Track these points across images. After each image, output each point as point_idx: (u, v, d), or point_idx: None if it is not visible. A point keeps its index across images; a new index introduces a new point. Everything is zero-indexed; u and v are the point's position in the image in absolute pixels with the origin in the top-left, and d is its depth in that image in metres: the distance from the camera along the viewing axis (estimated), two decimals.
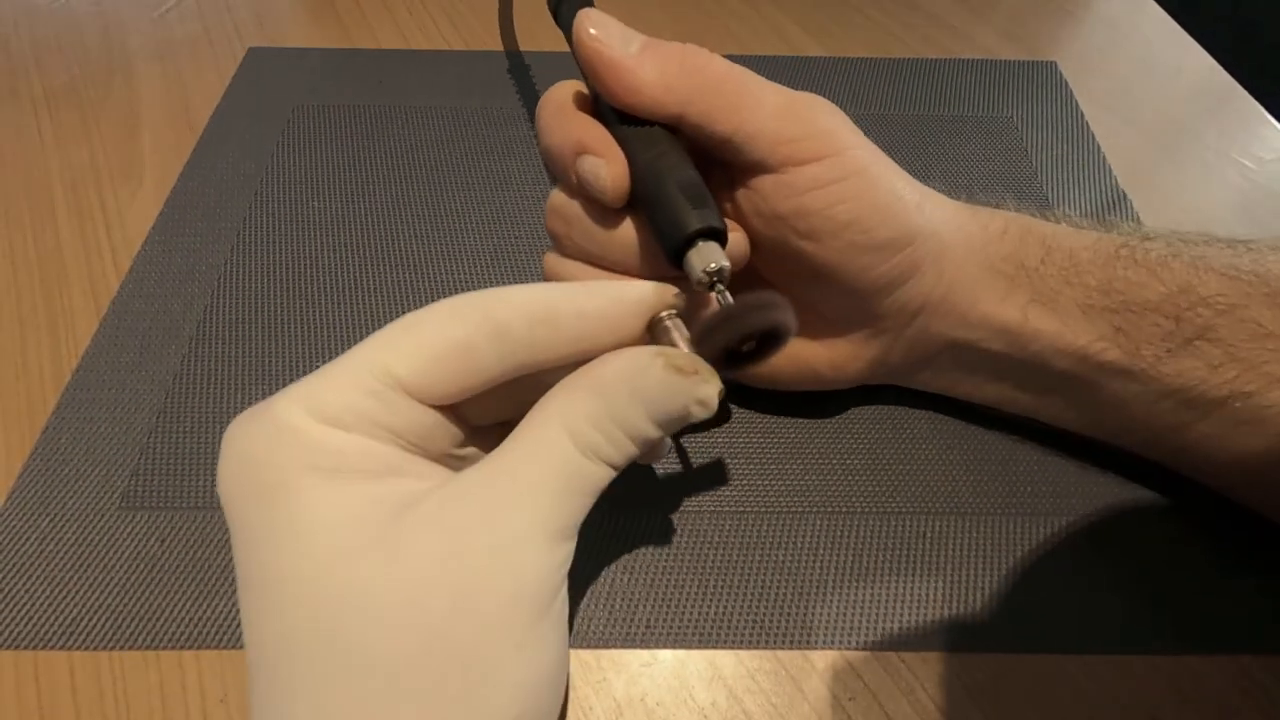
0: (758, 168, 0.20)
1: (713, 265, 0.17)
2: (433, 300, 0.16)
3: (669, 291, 0.17)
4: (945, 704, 0.20)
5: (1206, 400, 0.20)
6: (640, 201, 0.19)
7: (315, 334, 0.27)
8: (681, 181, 0.18)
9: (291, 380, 0.15)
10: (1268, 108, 0.37)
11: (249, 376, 0.26)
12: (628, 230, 0.20)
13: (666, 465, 0.24)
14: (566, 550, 0.15)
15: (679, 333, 0.17)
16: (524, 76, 0.38)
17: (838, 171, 0.19)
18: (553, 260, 0.22)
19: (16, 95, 0.36)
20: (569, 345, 0.16)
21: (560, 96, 0.20)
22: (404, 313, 0.16)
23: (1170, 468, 0.23)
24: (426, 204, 0.31)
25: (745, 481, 0.24)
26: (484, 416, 0.18)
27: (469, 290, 0.16)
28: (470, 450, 0.18)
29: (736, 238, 0.20)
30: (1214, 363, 0.19)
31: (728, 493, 0.23)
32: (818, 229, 0.20)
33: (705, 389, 0.16)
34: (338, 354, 0.16)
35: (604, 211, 0.20)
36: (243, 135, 0.34)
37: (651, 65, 0.19)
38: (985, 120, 0.36)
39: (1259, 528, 0.22)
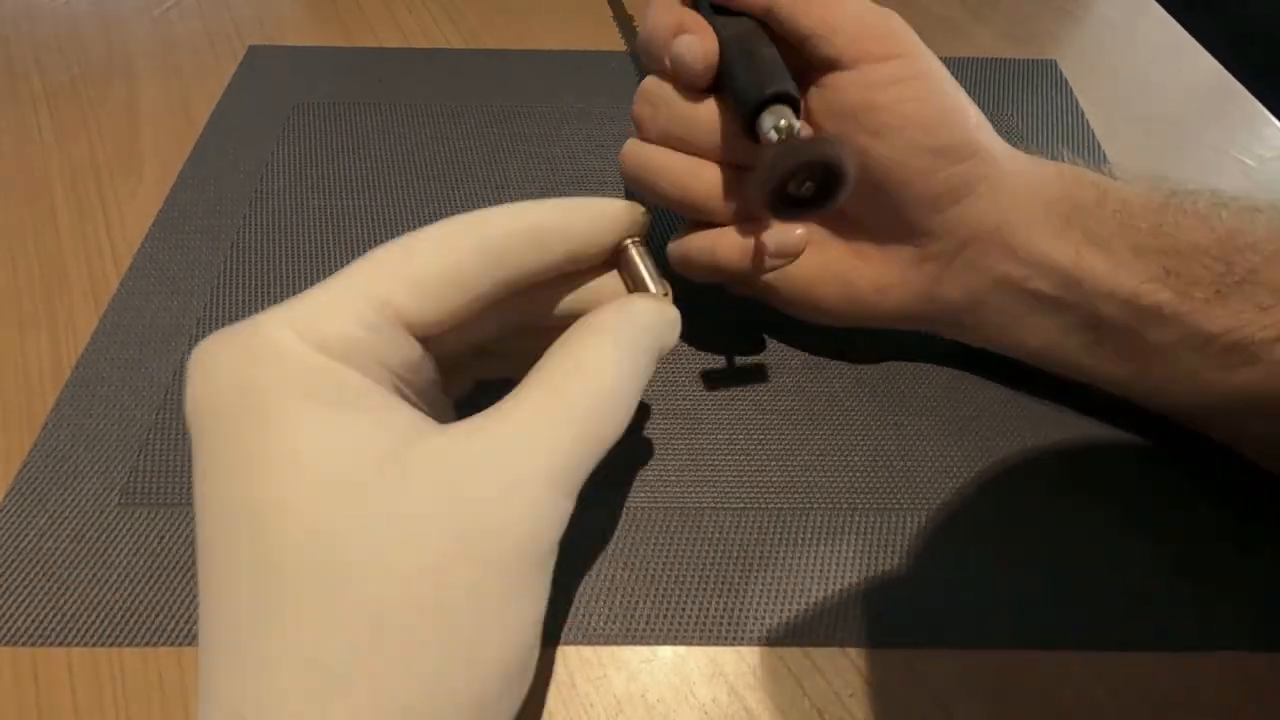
0: (834, 63, 0.21)
1: (783, 122, 0.18)
2: None
3: (638, 210, 0.18)
4: (946, 700, 0.20)
5: (1254, 343, 0.20)
6: (724, 78, 0.20)
7: None
8: (761, 55, 0.20)
9: None
10: (1268, 106, 0.37)
11: None
12: (710, 109, 0.21)
13: (668, 461, 0.24)
14: (568, 507, 0.15)
15: (641, 260, 0.18)
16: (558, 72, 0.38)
17: (908, 71, 0.21)
18: (632, 146, 0.23)
19: (16, 95, 0.36)
20: (554, 260, 0.17)
21: None
22: None
23: (1207, 429, 0.23)
24: (427, 202, 0.31)
25: (746, 478, 0.24)
26: (455, 344, 0.18)
27: None
28: (436, 394, 0.18)
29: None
30: (1263, 304, 0.19)
31: (728, 489, 0.23)
32: (885, 125, 0.20)
33: (673, 310, 0.18)
34: None
35: (691, 93, 0.21)
36: (243, 133, 0.34)
37: None
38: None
39: (1262, 525, 0.22)
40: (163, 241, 0.29)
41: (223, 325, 0.26)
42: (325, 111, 0.35)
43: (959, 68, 0.40)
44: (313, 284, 0.29)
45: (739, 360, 0.26)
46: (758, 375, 0.26)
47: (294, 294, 0.29)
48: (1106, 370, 0.23)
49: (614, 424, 0.16)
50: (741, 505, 0.23)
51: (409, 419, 0.15)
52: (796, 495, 0.23)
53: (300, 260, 0.29)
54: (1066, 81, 0.38)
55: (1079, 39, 0.42)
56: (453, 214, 0.29)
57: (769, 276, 0.23)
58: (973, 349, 0.25)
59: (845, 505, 0.23)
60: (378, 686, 0.13)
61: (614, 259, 0.18)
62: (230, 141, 0.33)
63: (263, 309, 0.27)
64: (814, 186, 0.18)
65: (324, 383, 0.14)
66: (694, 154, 0.21)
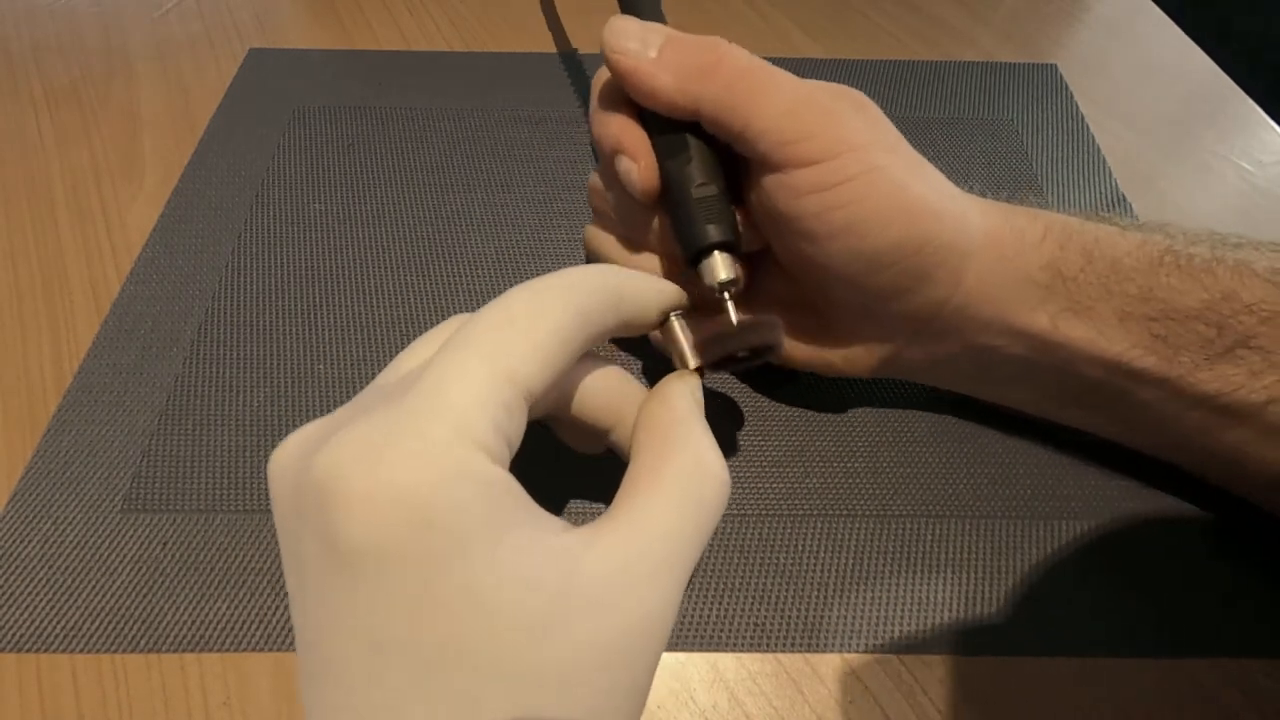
0: (765, 166, 0.20)
1: (723, 277, 0.19)
2: (434, 301, 0.16)
3: (684, 296, 0.19)
4: (946, 707, 0.20)
5: (1243, 406, 0.19)
6: (666, 204, 0.21)
7: (317, 335, 0.27)
8: (701, 194, 0.20)
9: (289, 384, 0.14)
10: (1267, 111, 0.37)
11: (250, 379, 0.25)
12: (659, 220, 0.22)
13: None
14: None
15: (683, 332, 0.19)
16: (546, 76, 0.38)
17: (838, 175, 0.19)
18: (593, 232, 0.24)
19: (16, 95, 0.36)
20: (621, 323, 0.17)
21: (607, 88, 0.22)
22: (405, 315, 0.16)
23: (1195, 474, 0.22)
24: (428, 205, 0.31)
25: (746, 485, 0.24)
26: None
27: (468, 289, 0.16)
28: None
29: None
30: (1255, 369, 0.19)
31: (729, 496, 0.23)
32: (815, 231, 0.20)
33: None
34: (339, 356, 0.15)
35: (637, 203, 0.21)
36: (244, 136, 0.34)
37: (668, 68, 0.20)
38: (985, 123, 0.36)
39: (1261, 531, 0.22)
40: (164, 246, 0.29)
41: (224, 328, 0.27)
42: (326, 115, 0.35)
43: (959, 72, 0.41)
44: (314, 285, 0.28)
45: (738, 368, 0.26)
46: (758, 384, 0.26)
47: (295, 295, 0.27)
48: (1091, 424, 0.23)
49: (721, 511, 0.16)
50: (741, 512, 0.23)
51: (554, 523, 0.14)
52: (796, 502, 0.23)
53: (301, 264, 0.29)
54: (1066, 85, 0.38)
55: (1079, 42, 0.42)
56: (454, 215, 0.30)
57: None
58: None
59: (845, 512, 0.23)
60: None
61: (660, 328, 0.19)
62: (231, 145, 0.33)
63: (264, 311, 0.27)
64: (748, 354, 0.20)
65: (496, 497, 0.13)
66: (648, 249, 0.23)
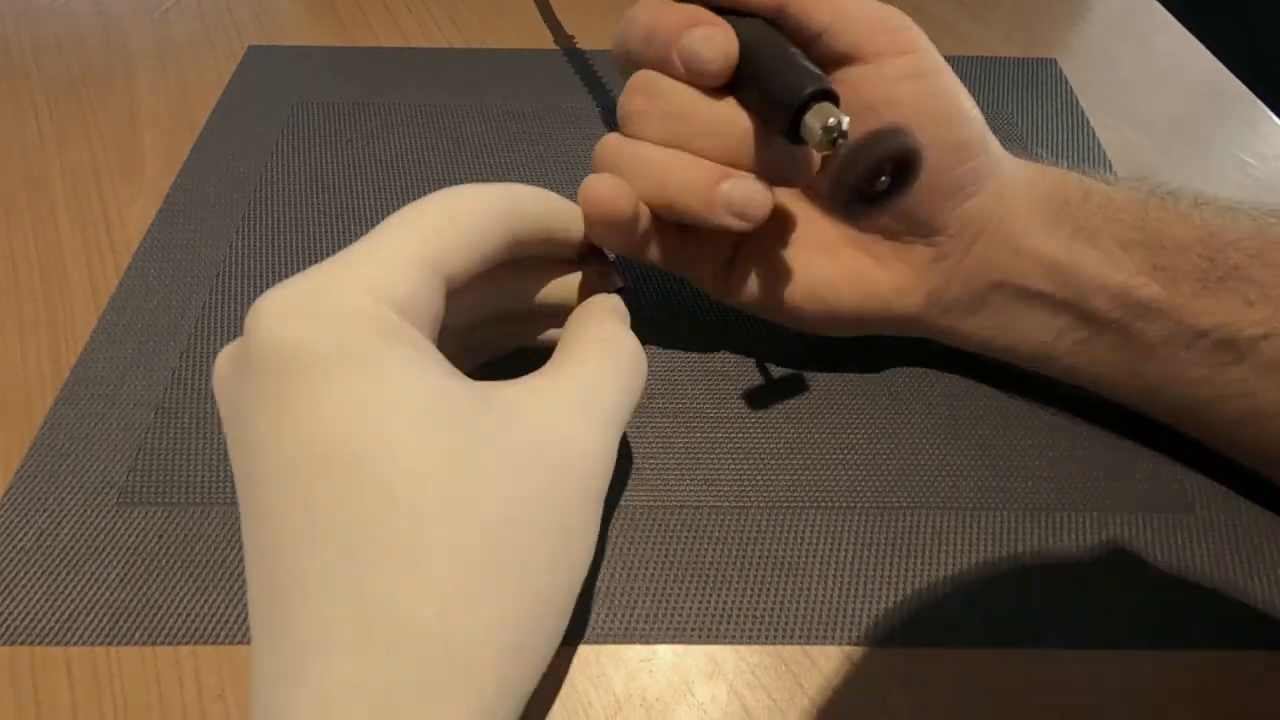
0: (851, 58, 0.20)
1: (832, 120, 0.17)
2: None
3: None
4: (946, 699, 0.20)
5: (1241, 339, 0.20)
6: (746, 77, 0.19)
7: None
8: (789, 52, 0.19)
9: None
10: (1269, 105, 0.37)
11: None
12: (732, 110, 0.20)
13: (666, 460, 0.24)
14: (615, 451, 0.17)
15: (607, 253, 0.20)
16: (556, 72, 0.38)
17: (924, 66, 0.21)
18: (616, 141, 0.21)
19: (16, 95, 0.36)
20: (552, 236, 0.19)
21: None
22: None
23: (1204, 436, 0.23)
24: None
25: (745, 476, 0.23)
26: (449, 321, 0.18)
27: None
28: None
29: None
30: (1249, 299, 0.20)
31: (727, 488, 0.23)
32: (907, 119, 0.19)
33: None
34: None
35: (701, 90, 0.20)
36: (242, 133, 0.34)
37: None
38: (985, 118, 0.36)
39: (1263, 522, 0.22)
40: (162, 242, 0.29)
41: (222, 325, 0.27)
42: (325, 112, 0.35)
43: (959, 66, 0.40)
44: None
45: (738, 360, 0.26)
46: (757, 374, 0.26)
47: None
48: (1099, 371, 0.23)
49: (640, 384, 0.18)
50: (740, 504, 0.23)
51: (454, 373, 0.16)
52: (795, 494, 0.23)
53: (299, 261, 0.29)
54: (1066, 80, 0.38)
55: (1079, 37, 0.42)
56: None
57: (784, 274, 0.23)
58: (952, 361, 0.25)
59: (843, 504, 0.23)
60: (499, 598, 0.14)
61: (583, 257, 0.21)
62: (230, 142, 0.33)
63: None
64: (888, 180, 0.18)
65: (410, 336, 0.15)
66: (700, 154, 0.20)
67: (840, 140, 0.17)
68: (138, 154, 0.33)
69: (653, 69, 0.20)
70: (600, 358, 0.18)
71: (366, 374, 0.14)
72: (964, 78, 0.22)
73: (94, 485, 0.23)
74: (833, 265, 0.23)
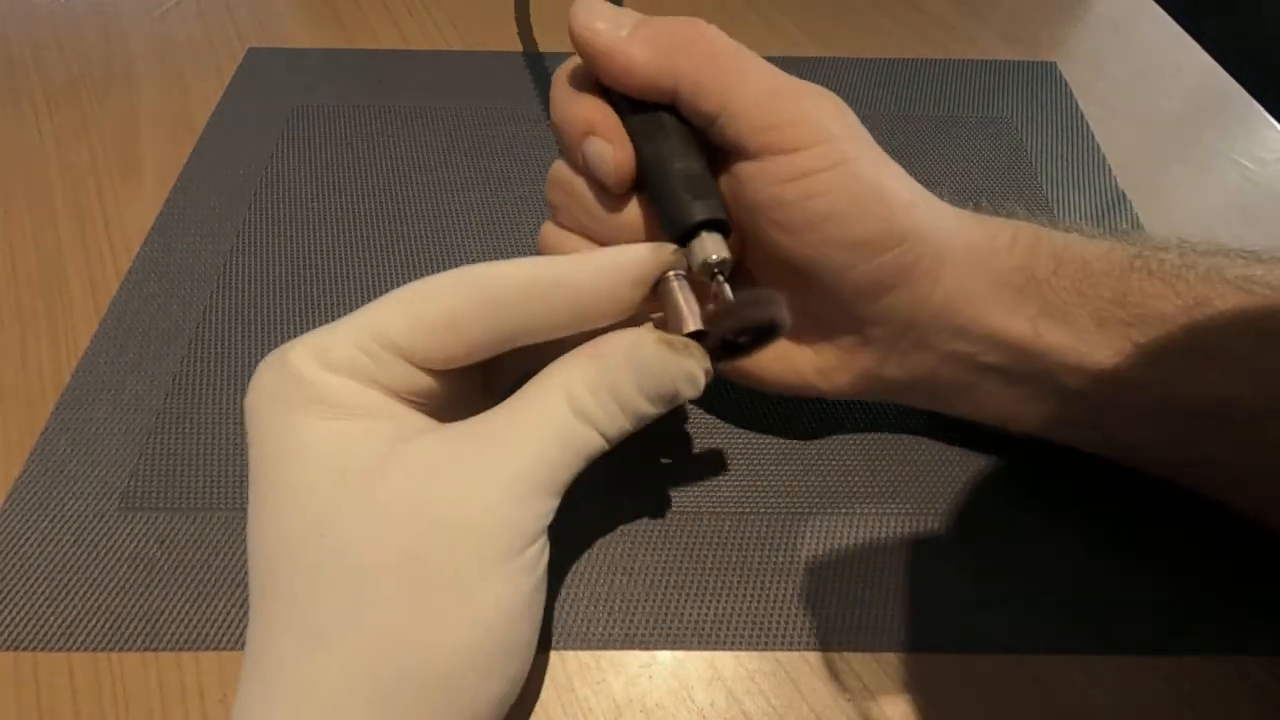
0: (740, 152, 0.19)
1: (714, 257, 0.18)
2: None
3: (665, 250, 0.18)
4: (944, 704, 0.20)
5: (1230, 409, 0.19)
6: (644, 187, 0.20)
7: None
8: (684, 170, 0.19)
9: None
10: (1267, 108, 0.37)
11: (248, 377, 0.25)
12: (631, 211, 0.20)
13: (665, 467, 0.24)
14: (547, 505, 0.17)
15: (683, 294, 0.18)
16: (541, 77, 0.38)
17: (818, 163, 0.18)
18: (550, 231, 0.22)
19: (16, 95, 0.36)
20: (563, 317, 0.17)
21: (573, 74, 0.20)
22: None
23: (1180, 484, 0.22)
24: (426, 204, 0.31)
25: (743, 482, 0.24)
26: (504, 381, 0.20)
27: None
28: (472, 400, 0.19)
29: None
30: (1238, 374, 0.19)
31: (726, 494, 0.23)
32: (794, 221, 0.19)
33: (693, 366, 0.17)
34: None
35: (608, 192, 0.20)
36: (242, 136, 0.34)
37: (643, 45, 0.19)
38: (985, 121, 0.36)
39: (1258, 529, 0.22)
40: (162, 245, 0.29)
41: (222, 327, 0.27)
42: (325, 114, 0.35)
43: (958, 70, 0.41)
44: (312, 284, 0.30)
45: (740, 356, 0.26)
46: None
47: (293, 294, 0.29)
48: (1070, 437, 0.22)
49: (588, 440, 0.17)
50: (738, 510, 0.23)
51: (408, 422, 0.17)
52: (793, 499, 0.23)
53: (299, 264, 0.29)
54: (1066, 83, 0.38)
55: (1078, 40, 0.42)
56: (452, 214, 0.30)
57: None
58: None
59: (841, 509, 0.23)
60: (353, 644, 0.15)
61: (656, 295, 0.18)
62: (230, 144, 0.33)
63: (261, 310, 0.28)
64: (749, 339, 0.18)
65: (327, 395, 0.16)
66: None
67: (719, 275, 0.18)
68: (137, 154, 0.33)
69: (566, 159, 0.21)
70: (530, 403, 0.17)
71: (284, 436, 0.16)
72: (963, 80, 0.21)
73: (95, 490, 0.23)
74: None
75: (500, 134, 0.34)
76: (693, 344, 0.17)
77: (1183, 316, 0.19)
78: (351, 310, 0.17)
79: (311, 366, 0.16)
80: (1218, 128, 0.37)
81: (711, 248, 0.18)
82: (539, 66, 0.38)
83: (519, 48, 0.39)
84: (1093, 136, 0.35)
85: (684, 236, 0.18)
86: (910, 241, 0.19)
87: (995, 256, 0.20)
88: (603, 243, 0.21)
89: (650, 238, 0.20)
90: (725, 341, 0.18)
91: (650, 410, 0.17)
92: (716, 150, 0.20)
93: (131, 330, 0.27)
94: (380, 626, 0.15)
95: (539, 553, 0.17)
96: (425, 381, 0.17)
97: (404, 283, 0.17)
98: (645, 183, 0.19)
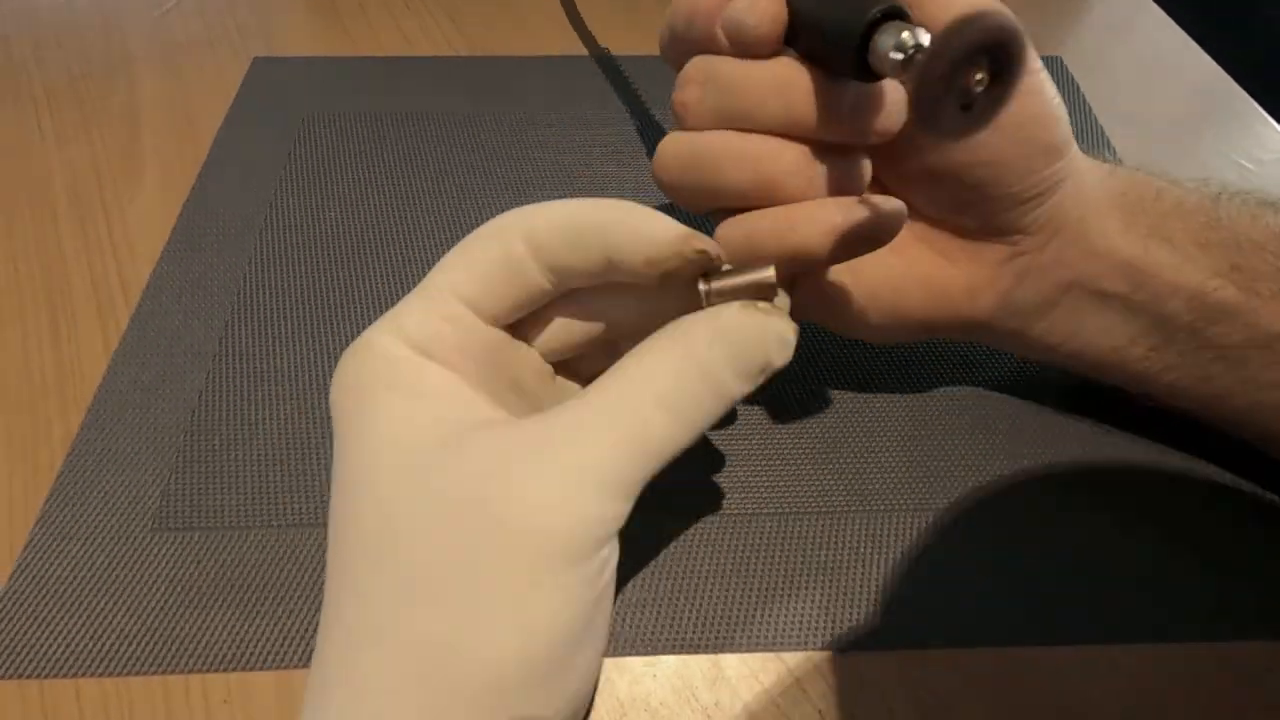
0: None
1: (906, 35, 0.15)
2: None
3: (690, 242, 0.16)
4: (949, 699, 0.20)
5: None
6: (799, 29, 0.18)
7: (339, 343, 0.27)
8: None
9: (315, 395, 0.18)
10: (1267, 109, 0.37)
11: (276, 390, 0.25)
12: (790, 68, 0.18)
13: (666, 470, 0.24)
14: (619, 508, 0.15)
15: (737, 273, 0.17)
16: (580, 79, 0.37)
17: (1034, 62, 0.19)
18: (676, 139, 0.20)
19: (17, 95, 0.35)
20: (592, 260, 0.17)
21: None
22: None
23: (1261, 443, 0.22)
24: (444, 211, 0.31)
25: (746, 483, 0.24)
26: (555, 346, 0.19)
27: None
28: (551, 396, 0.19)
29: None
30: None
31: (731, 496, 0.23)
32: (1005, 121, 0.16)
33: (783, 325, 0.16)
34: None
35: (753, 59, 0.18)
36: (254, 147, 0.33)
37: None
38: None
39: (1261, 518, 0.23)
40: (179, 260, 0.29)
41: (245, 343, 0.27)
42: (336, 123, 0.34)
43: None
44: (333, 293, 0.29)
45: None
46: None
47: (314, 304, 0.28)
48: (1168, 377, 0.22)
49: (669, 434, 0.15)
50: (742, 511, 0.23)
51: (481, 411, 0.17)
52: (797, 500, 0.23)
53: (321, 274, 0.29)
54: (1073, 78, 0.38)
55: (1078, 39, 0.41)
56: (469, 219, 0.30)
57: (846, 278, 0.21)
58: (982, 362, 0.25)
59: (844, 508, 0.23)
60: (403, 638, 0.14)
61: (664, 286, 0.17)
62: (241, 156, 0.33)
63: (284, 322, 0.28)
64: (987, 76, 0.14)
65: (403, 376, 0.16)
66: (761, 126, 0.18)
67: (919, 57, 0.14)
68: (138, 154, 0.33)
69: (699, 53, 0.19)
70: (604, 397, 0.16)
71: (360, 420, 0.16)
72: None
73: (126, 511, 0.22)
74: (899, 265, 0.22)
75: (515, 138, 0.34)
76: (773, 307, 0.16)
77: (1273, 243, 0.20)
78: (375, 318, 0.17)
79: (389, 340, 0.17)
80: (1217, 128, 0.36)
81: (903, 28, 0.15)
82: (556, 69, 0.38)
83: (525, 52, 0.39)
84: (1101, 130, 0.35)
85: (867, 31, 0.16)
86: (1068, 154, 0.20)
87: (1107, 181, 0.21)
88: (750, 124, 0.18)
89: (803, 93, 0.18)
90: (957, 98, 0.14)
91: (741, 389, 0.16)
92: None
93: (153, 347, 0.26)
94: (431, 620, 0.14)
95: (603, 562, 0.15)
96: (499, 339, 0.18)
97: None
98: (798, 24, 0.18)
